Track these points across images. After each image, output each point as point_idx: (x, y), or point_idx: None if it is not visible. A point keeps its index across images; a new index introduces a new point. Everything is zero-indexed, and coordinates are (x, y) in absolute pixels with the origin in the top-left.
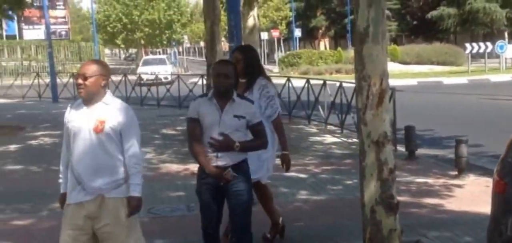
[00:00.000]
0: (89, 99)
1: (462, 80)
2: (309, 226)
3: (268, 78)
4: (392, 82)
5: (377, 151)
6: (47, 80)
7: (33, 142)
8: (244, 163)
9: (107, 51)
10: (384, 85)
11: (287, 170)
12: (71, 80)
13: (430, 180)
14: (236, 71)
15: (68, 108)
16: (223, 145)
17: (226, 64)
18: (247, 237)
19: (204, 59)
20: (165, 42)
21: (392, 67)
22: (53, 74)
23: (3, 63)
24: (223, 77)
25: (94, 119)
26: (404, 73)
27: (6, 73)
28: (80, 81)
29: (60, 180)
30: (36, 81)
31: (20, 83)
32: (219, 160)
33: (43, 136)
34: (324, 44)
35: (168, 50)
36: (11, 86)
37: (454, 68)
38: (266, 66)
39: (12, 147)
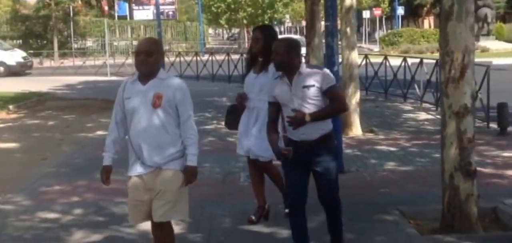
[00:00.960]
0: (148, 76)
1: None
2: (394, 192)
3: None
4: (495, 60)
5: (458, 122)
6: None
7: None
8: (328, 138)
9: (210, 30)
10: (466, 60)
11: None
12: (178, 58)
13: None
14: (289, 47)
15: (122, 85)
16: (295, 121)
17: (280, 41)
18: (337, 209)
19: (305, 38)
20: (267, 22)
21: (497, 45)
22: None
23: (115, 43)
24: (275, 54)
25: (151, 95)
26: (509, 51)
27: (118, 52)
28: (142, 57)
29: (105, 153)
30: None
31: (130, 62)
32: (303, 135)
33: None
34: (428, 22)
35: None
36: (123, 65)
37: None
38: (367, 46)
39: None
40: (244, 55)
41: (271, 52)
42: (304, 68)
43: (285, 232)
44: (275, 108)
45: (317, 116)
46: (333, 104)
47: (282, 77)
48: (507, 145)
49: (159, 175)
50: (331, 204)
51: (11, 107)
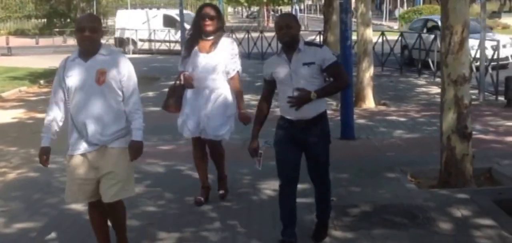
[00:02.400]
0: (91, 52)
1: None
2: (399, 155)
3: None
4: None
5: (456, 89)
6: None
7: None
8: (323, 117)
9: (229, 9)
10: (464, 34)
11: (246, 123)
12: None
13: None
14: (297, 20)
15: (62, 64)
16: (301, 100)
17: (287, 15)
18: (327, 188)
19: (323, 16)
20: (286, 1)
21: None
22: (183, 29)
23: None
24: (286, 28)
25: (94, 71)
26: None
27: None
28: (87, 33)
29: (43, 134)
30: (166, 37)
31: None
32: (299, 113)
33: None
34: None
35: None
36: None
37: None
38: (387, 23)
39: (150, 93)
40: (264, 33)
41: (221, 30)
42: (303, 45)
43: None
44: (270, 86)
45: (322, 94)
46: (337, 81)
47: (280, 54)
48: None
49: (105, 154)
50: (321, 182)
51: (41, 81)
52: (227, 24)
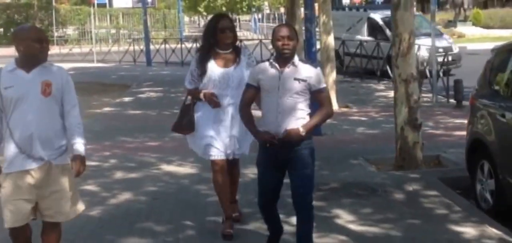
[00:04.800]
0: (34, 64)
1: None
2: (361, 147)
3: None
4: (470, 46)
5: (406, 86)
6: (137, 47)
7: (141, 95)
8: (293, 128)
9: (186, 19)
10: (411, 40)
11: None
12: (163, 45)
13: (466, 121)
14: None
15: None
16: (291, 138)
17: (288, 27)
18: (310, 214)
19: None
20: (245, 9)
21: (474, 31)
22: (148, 40)
23: (94, 31)
24: (287, 39)
25: (39, 83)
26: (484, 37)
27: (98, 39)
28: (38, 45)
29: None
30: (131, 47)
31: (116, 49)
32: (281, 128)
33: (148, 91)
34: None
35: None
36: (109, 52)
37: None
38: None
39: (126, 99)
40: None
41: (235, 42)
42: (297, 60)
43: None
44: (254, 92)
45: (310, 128)
46: (323, 111)
47: (272, 62)
48: (460, 114)
49: (50, 172)
50: (305, 206)
51: None
52: (185, 33)
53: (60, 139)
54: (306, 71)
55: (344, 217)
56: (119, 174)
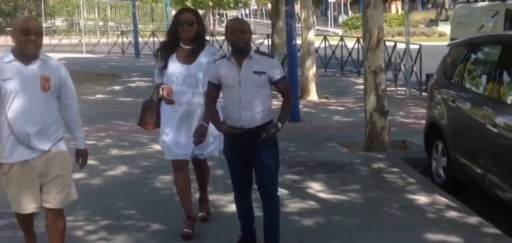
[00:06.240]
0: (33, 57)
1: None
2: (336, 132)
3: None
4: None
5: (375, 77)
6: (126, 39)
7: (132, 84)
8: (269, 125)
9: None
10: (380, 35)
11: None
12: (151, 38)
13: None
14: (249, 27)
15: None
16: (272, 135)
17: (240, 20)
18: (276, 203)
19: (270, 21)
20: (232, 5)
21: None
22: (136, 32)
23: (81, 22)
24: (240, 33)
25: (37, 77)
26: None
27: (86, 31)
28: (33, 37)
29: None
30: (119, 39)
31: (105, 40)
32: (244, 122)
33: (137, 81)
34: (396, 7)
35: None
36: (98, 44)
37: None
38: (333, 29)
39: (117, 87)
40: (215, 37)
41: (202, 38)
42: (253, 53)
43: None
44: (216, 89)
45: (284, 120)
46: (287, 100)
47: (229, 58)
48: None
49: (50, 159)
50: (269, 196)
51: None
52: None
53: (56, 129)
54: (264, 63)
55: (316, 188)
56: (114, 151)
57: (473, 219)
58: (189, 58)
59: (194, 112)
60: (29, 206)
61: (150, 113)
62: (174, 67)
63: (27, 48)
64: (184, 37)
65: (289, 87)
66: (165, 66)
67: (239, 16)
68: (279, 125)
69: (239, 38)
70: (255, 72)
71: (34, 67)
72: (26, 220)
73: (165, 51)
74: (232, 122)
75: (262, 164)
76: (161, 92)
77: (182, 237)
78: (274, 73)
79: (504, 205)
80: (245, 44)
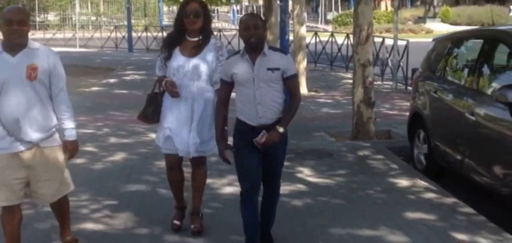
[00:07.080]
0: (19, 46)
1: None
2: (324, 122)
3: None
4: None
5: (363, 70)
6: (119, 34)
7: (126, 77)
8: (274, 131)
9: (165, 8)
10: (369, 30)
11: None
12: (144, 33)
13: None
14: (265, 22)
15: None
16: (273, 140)
17: (254, 15)
18: (277, 191)
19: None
20: (224, 1)
21: (442, 27)
22: (130, 27)
23: (74, 17)
24: (254, 28)
25: (24, 67)
26: (450, 33)
27: (79, 25)
28: (16, 27)
29: None
30: (113, 34)
31: (99, 35)
32: (261, 119)
33: (132, 74)
34: (385, 4)
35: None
36: (91, 38)
37: None
38: (323, 26)
39: (112, 80)
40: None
41: (208, 31)
42: (267, 49)
43: None
44: (229, 88)
45: (287, 124)
46: (294, 101)
47: (243, 55)
48: None
49: (38, 154)
50: (274, 185)
51: None
52: (164, 22)
53: (49, 121)
54: (277, 59)
55: (305, 173)
56: (113, 139)
57: (450, 200)
58: (194, 51)
59: (195, 106)
60: (8, 199)
61: (152, 107)
62: (177, 60)
63: (12, 37)
64: (190, 29)
65: (298, 87)
66: (168, 57)
67: (231, 13)
68: (281, 130)
69: (252, 34)
70: (268, 69)
71: (20, 57)
72: (9, 227)
73: (171, 43)
74: (249, 120)
75: (271, 157)
76: (164, 86)
77: (171, 228)
78: (287, 69)
79: (479, 187)
80: (258, 39)
